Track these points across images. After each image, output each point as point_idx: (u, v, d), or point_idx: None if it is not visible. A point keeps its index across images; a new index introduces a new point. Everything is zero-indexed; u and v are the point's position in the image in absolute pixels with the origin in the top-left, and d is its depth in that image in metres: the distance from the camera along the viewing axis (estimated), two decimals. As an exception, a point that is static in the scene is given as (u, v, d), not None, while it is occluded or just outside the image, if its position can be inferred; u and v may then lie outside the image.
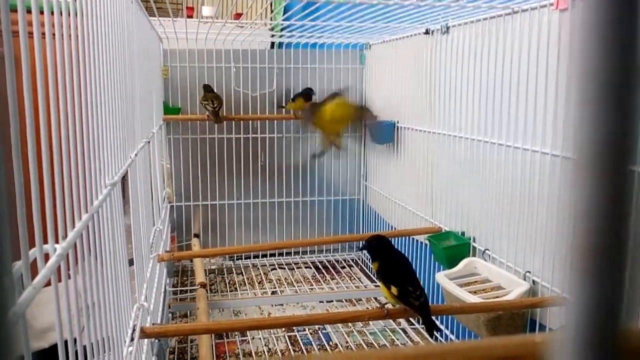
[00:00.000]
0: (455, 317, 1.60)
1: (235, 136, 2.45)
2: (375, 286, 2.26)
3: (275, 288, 2.27)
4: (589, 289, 0.16)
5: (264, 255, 2.62)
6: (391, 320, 1.94)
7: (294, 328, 1.89)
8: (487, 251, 1.53)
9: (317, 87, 2.36)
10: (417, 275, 1.19)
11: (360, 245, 1.31)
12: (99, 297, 0.75)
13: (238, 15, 3.14)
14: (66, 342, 0.57)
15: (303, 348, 1.81)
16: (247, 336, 1.86)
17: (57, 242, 0.55)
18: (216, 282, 2.36)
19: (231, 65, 2.39)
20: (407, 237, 2.07)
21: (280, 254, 2.64)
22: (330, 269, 2.53)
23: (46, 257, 0.52)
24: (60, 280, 0.55)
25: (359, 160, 2.60)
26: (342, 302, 2.19)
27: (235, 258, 2.59)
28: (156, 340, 1.35)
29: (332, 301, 2.19)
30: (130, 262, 1.11)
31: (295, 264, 2.58)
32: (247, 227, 2.55)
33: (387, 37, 2.21)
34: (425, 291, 1.17)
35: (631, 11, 0.15)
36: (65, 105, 0.60)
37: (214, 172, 2.46)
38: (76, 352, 0.60)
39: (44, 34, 0.54)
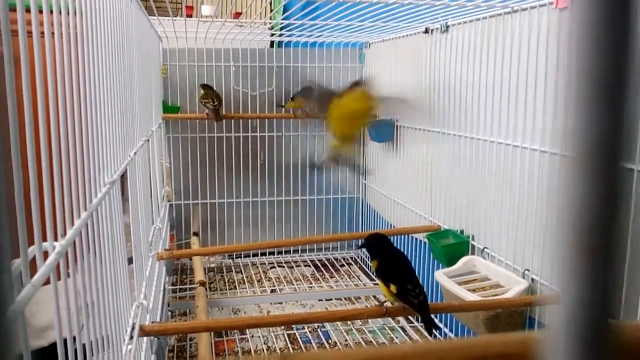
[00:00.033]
0: (454, 315, 1.60)
1: (235, 135, 2.45)
2: (375, 284, 2.26)
3: (274, 286, 2.28)
4: (580, 286, 0.16)
5: (263, 254, 2.62)
6: (390, 319, 1.94)
7: (293, 326, 1.90)
8: (486, 249, 1.53)
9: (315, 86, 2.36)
10: (416, 274, 1.19)
11: (360, 244, 1.31)
12: (98, 296, 0.75)
13: (237, 15, 3.13)
14: (65, 340, 0.57)
15: (302, 346, 1.81)
16: (246, 334, 1.87)
17: (56, 239, 0.55)
18: (215, 280, 2.36)
19: (230, 64, 2.39)
20: (406, 236, 2.07)
21: (280, 252, 2.64)
22: (330, 267, 2.53)
23: (45, 254, 0.52)
24: (59, 279, 0.55)
25: (358, 159, 2.60)
26: (341, 300, 2.19)
27: (234, 256, 2.59)
28: (155, 339, 1.35)
29: (331, 299, 2.19)
30: (130, 261, 1.11)
31: (294, 262, 2.58)
32: (246, 225, 2.55)
33: (387, 36, 2.21)
34: (425, 289, 1.17)
35: (623, 10, 0.15)
36: (64, 103, 0.60)
37: (213, 170, 2.46)
38: (75, 350, 0.60)
39: (43, 33, 0.54)
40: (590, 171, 0.15)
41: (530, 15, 1.32)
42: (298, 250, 2.65)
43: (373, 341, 1.83)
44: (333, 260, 2.62)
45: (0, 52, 0.42)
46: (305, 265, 2.54)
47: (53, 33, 0.58)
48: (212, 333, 1.81)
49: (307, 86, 2.31)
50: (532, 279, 1.33)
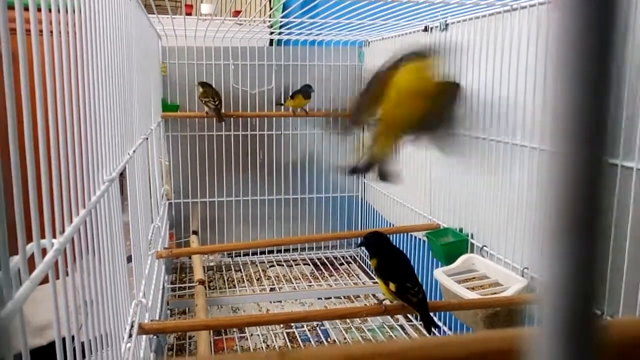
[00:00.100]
0: (453, 313, 1.60)
1: (234, 133, 2.45)
2: (374, 283, 2.26)
3: (273, 285, 2.28)
4: (563, 271, 0.16)
5: (263, 252, 2.62)
6: (389, 317, 1.94)
7: (292, 324, 1.90)
8: (485, 248, 1.53)
9: (315, 85, 2.36)
10: (415, 272, 1.19)
11: (359, 242, 1.31)
12: (97, 294, 0.75)
13: (237, 13, 3.14)
14: (64, 339, 0.57)
15: (301, 345, 1.81)
16: (245, 333, 1.87)
17: (54, 237, 0.55)
18: (215, 279, 2.36)
19: (230, 62, 2.39)
20: (405, 234, 2.07)
21: (279, 251, 2.64)
22: (329, 265, 2.53)
23: (44, 252, 0.52)
24: (58, 277, 0.55)
25: (358, 158, 2.60)
26: (341, 298, 2.20)
27: (233, 255, 2.59)
28: (154, 337, 1.35)
29: (330, 298, 2.19)
30: (129, 259, 1.12)
31: (293, 260, 2.58)
32: (245, 224, 2.55)
33: (386, 34, 2.21)
34: (424, 288, 1.17)
35: (608, 9, 0.15)
36: (63, 100, 0.60)
37: (212, 169, 2.46)
38: (74, 348, 0.60)
39: (41, 31, 0.54)
40: (573, 156, 0.15)
41: (530, 13, 1.32)
42: (297, 248, 2.65)
43: (372, 340, 1.83)
44: (332, 258, 2.62)
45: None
46: (304, 264, 2.55)
47: (52, 31, 0.58)
48: (211, 331, 1.81)
49: (306, 84, 2.31)
50: (532, 277, 1.33)
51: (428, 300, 1.15)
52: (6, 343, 0.40)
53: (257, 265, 2.51)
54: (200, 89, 2.23)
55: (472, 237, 1.61)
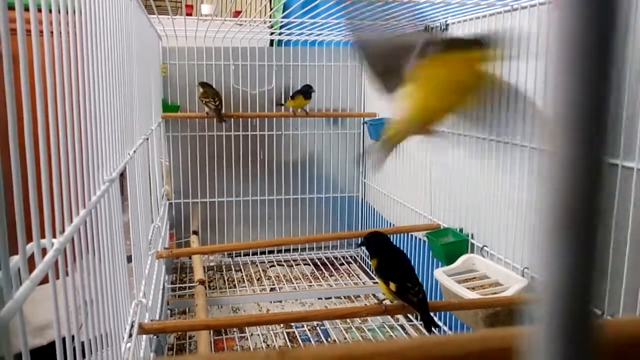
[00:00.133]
0: (454, 313, 1.60)
1: (234, 133, 2.46)
2: (374, 283, 2.26)
3: (274, 285, 2.28)
4: (560, 269, 0.16)
5: (263, 252, 2.63)
6: (389, 317, 1.94)
7: (293, 324, 1.90)
8: (485, 248, 1.53)
9: (316, 85, 2.36)
10: (416, 272, 1.19)
11: (359, 242, 1.31)
12: (97, 293, 0.75)
13: (237, 13, 3.13)
14: (64, 339, 0.57)
15: (301, 344, 1.81)
16: (245, 332, 1.87)
17: (54, 236, 0.55)
18: (215, 279, 2.36)
19: (230, 62, 2.39)
20: (405, 234, 2.07)
21: (279, 251, 2.64)
22: (329, 265, 2.53)
23: (44, 251, 0.52)
24: (58, 277, 0.56)
25: (358, 158, 2.61)
26: (341, 298, 2.20)
27: (234, 255, 2.59)
28: (155, 337, 1.35)
29: (330, 298, 2.19)
30: (129, 259, 1.12)
31: (294, 260, 2.58)
32: (245, 224, 2.55)
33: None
34: (424, 288, 1.17)
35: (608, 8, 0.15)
36: (63, 101, 0.60)
37: (212, 169, 2.46)
38: (74, 348, 0.60)
39: (42, 31, 0.54)
40: (573, 156, 0.15)
41: (530, 13, 1.32)
42: (298, 248, 2.65)
43: (372, 339, 1.83)
44: (332, 258, 2.62)
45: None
46: (304, 264, 2.55)
47: (52, 32, 0.58)
48: (211, 331, 1.81)
49: (307, 85, 2.31)
50: (532, 277, 1.33)
51: (428, 300, 1.15)
52: (6, 343, 0.40)
53: (257, 265, 2.51)
54: (201, 89, 2.23)
55: (472, 237, 1.61)
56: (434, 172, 1.85)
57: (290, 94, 2.34)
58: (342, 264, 2.57)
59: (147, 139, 1.56)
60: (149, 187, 1.62)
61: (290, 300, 2.16)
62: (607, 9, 0.15)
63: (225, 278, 2.36)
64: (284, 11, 2.41)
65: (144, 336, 1.23)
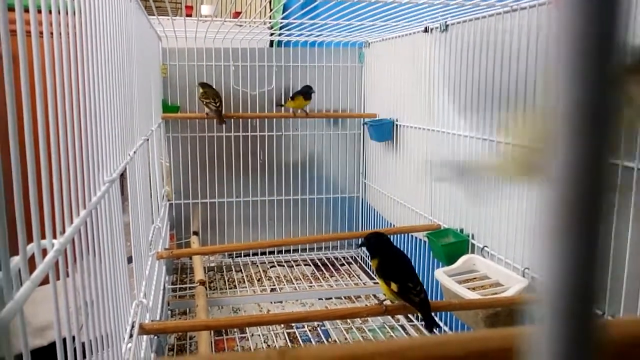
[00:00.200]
0: (454, 313, 1.60)
1: (235, 134, 2.46)
2: (374, 283, 2.26)
3: (274, 285, 2.28)
4: (562, 268, 0.16)
5: (263, 253, 2.63)
6: (390, 317, 1.94)
7: (293, 325, 1.90)
8: (485, 248, 1.53)
9: (316, 86, 2.37)
10: (416, 272, 1.19)
11: (360, 243, 1.31)
12: (98, 294, 0.75)
13: (237, 14, 3.14)
14: (65, 339, 0.57)
15: (302, 345, 1.81)
16: (246, 333, 1.87)
17: (55, 237, 0.55)
18: (215, 279, 2.36)
19: (230, 63, 2.39)
20: (406, 235, 2.07)
21: (280, 252, 2.64)
22: (330, 266, 2.53)
23: (44, 252, 0.52)
24: (58, 278, 0.56)
25: (358, 158, 2.61)
26: (341, 299, 2.20)
27: (234, 255, 2.59)
28: (155, 337, 1.35)
29: (331, 298, 2.19)
30: (129, 260, 1.12)
31: (294, 261, 2.58)
32: (246, 224, 2.55)
33: (386, 35, 2.21)
34: (424, 288, 1.17)
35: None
36: (63, 102, 0.60)
37: (213, 170, 2.46)
38: (75, 349, 0.60)
39: (42, 32, 0.54)
40: (573, 156, 0.16)
41: (530, 14, 1.32)
42: (298, 249, 2.65)
43: (373, 340, 1.83)
44: (333, 259, 2.62)
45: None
46: (305, 265, 2.55)
47: (52, 33, 0.58)
48: (212, 332, 1.81)
49: (307, 85, 2.31)
50: (532, 278, 1.33)
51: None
52: (7, 343, 0.40)
53: (257, 265, 2.51)
54: (201, 90, 2.23)
55: (472, 238, 1.61)
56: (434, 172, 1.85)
57: (290, 95, 2.34)
58: (342, 265, 2.57)
59: (148, 139, 1.56)
60: (149, 187, 1.62)
61: (291, 300, 2.16)
62: (608, 8, 0.15)
63: (226, 278, 2.36)
64: (283, 12, 2.42)
65: (145, 337, 1.23)
